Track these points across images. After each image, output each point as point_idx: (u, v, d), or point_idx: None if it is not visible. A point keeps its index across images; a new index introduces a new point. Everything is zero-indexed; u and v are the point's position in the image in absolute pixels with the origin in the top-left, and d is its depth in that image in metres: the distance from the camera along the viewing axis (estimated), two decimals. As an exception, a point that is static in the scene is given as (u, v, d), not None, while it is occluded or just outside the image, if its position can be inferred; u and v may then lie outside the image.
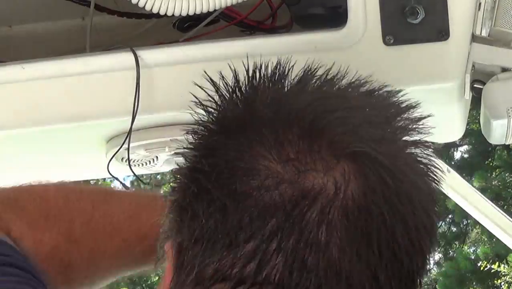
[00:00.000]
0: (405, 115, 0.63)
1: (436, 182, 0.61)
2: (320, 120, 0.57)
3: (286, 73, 0.63)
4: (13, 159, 1.30)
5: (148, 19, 1.16)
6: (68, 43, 1.23)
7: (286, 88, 0.62)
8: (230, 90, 0.61)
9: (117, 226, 0.77)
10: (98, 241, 0.77)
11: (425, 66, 1.02)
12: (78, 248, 0.76)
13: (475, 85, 1.06)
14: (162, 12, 0.99)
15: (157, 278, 7.77)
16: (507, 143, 1.11)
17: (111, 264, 0.78)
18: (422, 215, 0.57)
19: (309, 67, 0.64)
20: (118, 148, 1.12)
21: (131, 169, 1.22)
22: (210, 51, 1.03)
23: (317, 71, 0.64)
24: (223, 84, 0.62)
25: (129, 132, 1.06)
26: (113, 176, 1.23)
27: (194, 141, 0.60)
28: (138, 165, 1.27)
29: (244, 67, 0.64)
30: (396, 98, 0.65)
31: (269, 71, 0.63)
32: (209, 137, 0.60)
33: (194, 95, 0.64)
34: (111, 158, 1.17)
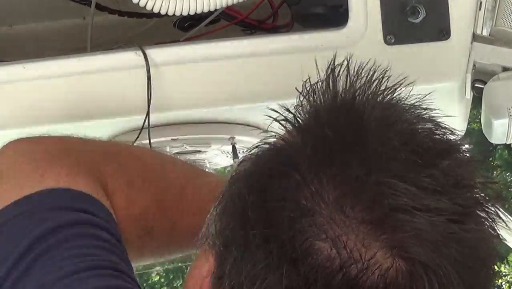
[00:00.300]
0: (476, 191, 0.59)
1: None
2: (390, 218, 0.55)
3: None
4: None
5: (149, 19, 1.17)
6: (69, 42, 1.23)
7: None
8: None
9: (202, 205, 0.76)
10: (183, 216, 0.76)
11: (426, 66, 1.02)
12: (164, 218, 0.75)
13: (476, 85, 1.06)
14: (163, 12, 0.99)
15: (157, 277, 7.77)
16: (508, 142, 1.11)
17: (186, 242, 0.78)
18: None
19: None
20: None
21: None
22: (213, 51, 1.03)
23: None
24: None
25: (141, 130, 1.05)
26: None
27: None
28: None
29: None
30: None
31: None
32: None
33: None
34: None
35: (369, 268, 0.54)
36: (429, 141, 0.58)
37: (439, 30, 0.99)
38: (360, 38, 1.01)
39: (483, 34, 1.05)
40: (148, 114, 1.02)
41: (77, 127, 1.08)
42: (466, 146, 0.61)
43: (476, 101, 1.11)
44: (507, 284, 7.52)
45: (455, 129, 0.61)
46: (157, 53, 1.04)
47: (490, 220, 0.60)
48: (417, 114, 0.61)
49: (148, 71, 1.01)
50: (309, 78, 0.60)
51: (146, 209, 0.74)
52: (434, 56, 1.01)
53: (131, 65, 1.03)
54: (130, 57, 1.03)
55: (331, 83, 0.60)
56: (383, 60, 1.03)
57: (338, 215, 0.54)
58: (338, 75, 0.60)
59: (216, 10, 1.02)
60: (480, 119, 1.12)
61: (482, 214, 0.59)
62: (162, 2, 0.98)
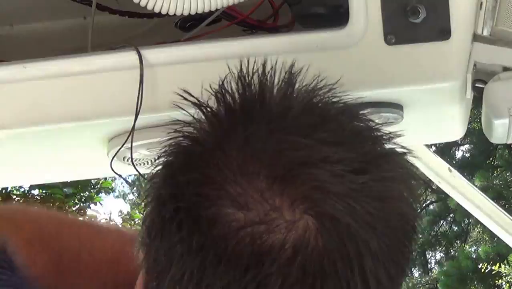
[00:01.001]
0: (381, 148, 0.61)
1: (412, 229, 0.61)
2: (291, 172, 0.56)
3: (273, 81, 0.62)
4: (15, 158, 1.30)
5: (149, 19, 1.17)
6: (69, 42, 1.23)
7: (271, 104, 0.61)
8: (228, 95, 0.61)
9: (98, 268, 0.77)
10: (81, 278, 0.77)
11: (427, 66, 1.02)
12: (63, 280, 0.76)
13: (476, 85, 1.06)
14: (164, 12, 0.99)
15: None
16: (508, 142, 1.11)
17: None
18: (383, 270, 0.57)
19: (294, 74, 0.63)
20: (119, 147, 1.12)
21: (134, 167, 1.22)
22: (212, 51, 1.03)
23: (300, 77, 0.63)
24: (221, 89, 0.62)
25: (132, 131, 1.06)
26: (116, 173, 1.23)
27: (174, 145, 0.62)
28: (140, 164, 1.27)
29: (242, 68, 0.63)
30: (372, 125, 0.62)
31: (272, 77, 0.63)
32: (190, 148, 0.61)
33: (187, 93, 0.65)
34: (113, 156, 1.17)
35: (275, 225, 0.54)
36: (327, 104, 0.61)
37: (439, 30, 0.99)
38: (360, 38, 1.01)
39: (484, 34, 1.05)
40: (136, 116, 1.02)
41: (78, 127, 1.08)
42: (367, 110, 0.65)
43: (477, 101, 1.11)
44: (507, 284, 7.52)
45: (348, 92, 0.64)
46: (154, 54, 1.04)
47: (401, 170, 0.60)
48: (315, 86, 0.63)
49: (142, 73, 1.01)
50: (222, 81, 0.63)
51: (46, 270, 0.75)
52: (434, 56, 1.01)
53: (130, 66, 1.03)
54: (127, 58, 1.03)
55: (243, 80, 0.62)
56: (384, 60, 1.03)
57: (242, 177, 0.56)
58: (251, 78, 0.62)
59: (217, 10, 1.02)
60: (480, 119, 1.12)
61: (389, 165, 0.60)
62: (163, 2, 0.98)
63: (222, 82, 0.62)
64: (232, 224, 0.55)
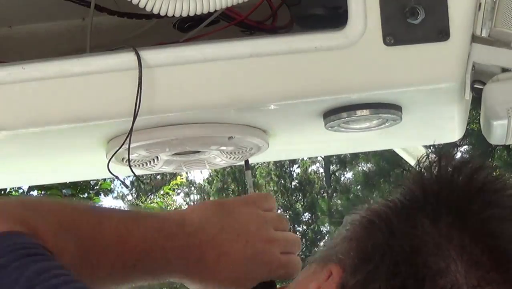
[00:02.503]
0: None
1: None
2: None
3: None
4: (14, 159, 1.30)
5: (148, 20, 1.17)
6: (68, 43, 1.23)
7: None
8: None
9: (106, 250, 0.79)
10: (98, 262, 0.79)
11: (425, 67, 1.02)
12: (86, 267, 0.77)
13: (475, 86, 1.06)
14: (162, 13, 0.99)
15: None
16: (507, 143, 1.11)
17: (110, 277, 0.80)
18: None
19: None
20: (118, 148, 1.12)
21: (131, 169, 1.22)
22: (211, 52, 1.03)
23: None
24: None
25: (130, 133, 1.06)
26: (113, 174, 1.23)
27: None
28: (138, 165, 1.27)
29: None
30: None
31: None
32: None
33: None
34: (111, 158, 1.17)
35: None
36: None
37: (438, 31, 0.99)
38: (359, 39, 1.01)
39: (483, 35, 1.05)
40: (134, 117, 1.02)
41: (77, 128, 1.08)
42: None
43: (476, 102, 1.11)
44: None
45: None
46: (153, 55, 1.04)
47: None
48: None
49: (140, 74, 1.01)
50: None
51: (73, 259, 0.75)
52: (433, 57, 1.01)
53: (128, 67, 1.03)
54: (126, 59, 1.03)
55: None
56: (382, 61, 1.03)
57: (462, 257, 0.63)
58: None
59: (216, 11, 1.02)
60: (479, 120, 1.12)
61: None
62: (161, 3, 0.98)
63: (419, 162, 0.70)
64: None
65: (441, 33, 0.99)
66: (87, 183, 5.99)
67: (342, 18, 1.02)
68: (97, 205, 1.06)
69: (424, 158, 0.70)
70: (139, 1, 0.98)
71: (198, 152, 1.25)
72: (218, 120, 1.17)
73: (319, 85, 1.04)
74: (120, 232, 0.79)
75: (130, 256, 0.78)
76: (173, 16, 1.00)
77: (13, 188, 5.36)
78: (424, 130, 1.37)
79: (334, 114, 1.13)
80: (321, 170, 16.77)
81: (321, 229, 15.47)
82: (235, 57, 1.03)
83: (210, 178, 17.00)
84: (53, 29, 1.26)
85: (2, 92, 1.05)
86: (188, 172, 10.18)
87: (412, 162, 1.72)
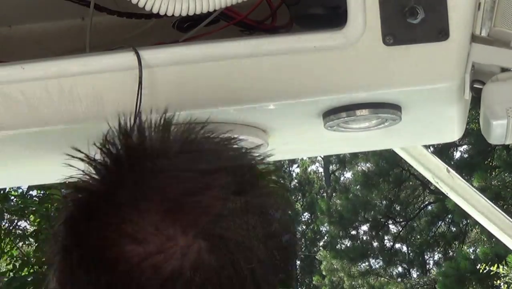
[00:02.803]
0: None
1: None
2: (179, 203, 0.64)
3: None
4: (13, 159, 1.30)
5: (147, 19, 1.17)
6: (68, 43, 1.23)
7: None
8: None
9: None
10: None
11: (425, 67, 1.02)
12: None
13: (474, 85, 1.06)
14: (162, 12, 0.99)
15: None
16: (506, 143, 1.11)
17: None
18: (273, 274, 0.66)
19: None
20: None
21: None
22: (211, 51, 1.03)
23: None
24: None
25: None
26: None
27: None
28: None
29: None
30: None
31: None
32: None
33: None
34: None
35: (171, 253, 0.62)
36: (202, 140, 0.70)
37: (438, 31, 0.99)
38: (359, 39, 1.01)
39: (482, 35, 1.06)
40: (135, 117, 1.02)
41: (77, 129, 1.08)
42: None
43: (475, 102, 1.12)
44: (505, 285, 7.53)
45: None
46: (153, 54, 1.04)
47: (275, 185, 0.70)
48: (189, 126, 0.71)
49: (140, 74, 1.01)
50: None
51: None
52: (432, 57, 1.01)
53: (128, 66, 1.03)
54: (126, 59, 1.03)
55: (124, 132, 0.71)
56: (382, 61, 1.03)
57: (136, 216, 0.63)
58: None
59: (215, 10, 1.02)
60: (479, 119, 1.12)
61: (264, 183, 0.70)
62: (161, 3, 0.98)
63: (106, 136, 0.70)
64: (133, 258, 0.62)
65: (441, 33, 0.99)
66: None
67: (342, 18, 1.02)
68: None
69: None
70: (138, 1, 0.98)
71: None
72: (217, 120, 1.17)
73: (318, 85, 1.04)
74: None
75: None
76: (173, 15, 1.00)
77: (12, 188, 5.36)
78: (423, 130, 1.37)
79: (333, 114, 1.13)
80: (321, 170, 16.79)
81: (321, 228, 15.48)
82: (235, 56, 1.03)
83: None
84: (52, 28, 1.26)
85: (2, 92, 1.05)
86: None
87: (412, 162, 1.72)
